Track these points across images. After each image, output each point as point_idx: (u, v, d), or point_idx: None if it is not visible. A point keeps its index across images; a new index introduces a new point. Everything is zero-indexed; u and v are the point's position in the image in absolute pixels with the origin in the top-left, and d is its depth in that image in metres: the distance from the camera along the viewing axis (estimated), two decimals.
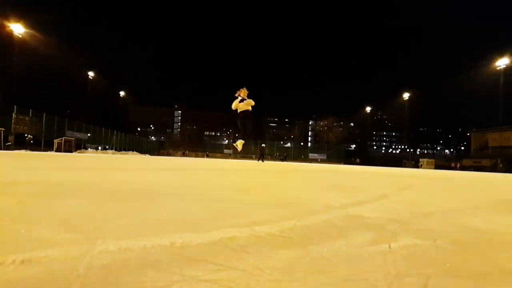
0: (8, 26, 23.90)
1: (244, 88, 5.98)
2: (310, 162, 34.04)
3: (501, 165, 31.71)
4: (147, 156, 23.84)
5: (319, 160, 43.37)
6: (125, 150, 36.69)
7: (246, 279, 0.56)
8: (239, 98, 5.91)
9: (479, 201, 2.26)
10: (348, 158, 45.80)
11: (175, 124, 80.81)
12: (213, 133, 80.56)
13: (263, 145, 26.58)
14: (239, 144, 5.89)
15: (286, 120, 79.98)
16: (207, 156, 45.03)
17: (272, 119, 79.92)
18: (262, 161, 20.37)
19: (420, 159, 39.63)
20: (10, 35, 24.38)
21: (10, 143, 19.61)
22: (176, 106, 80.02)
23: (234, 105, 6.02)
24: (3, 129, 18.99)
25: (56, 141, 24.03)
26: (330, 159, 44.07)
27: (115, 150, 32.81)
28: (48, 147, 23.71)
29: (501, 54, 34.41)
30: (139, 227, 0.92)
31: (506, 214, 1.67)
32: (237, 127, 6.08)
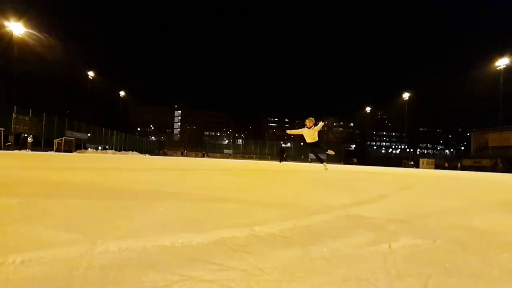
0: (8, 26, 23.88)
1: (311, 119, 7.37)
2: (310, 162, 34.02)
3: (501, 165, 31.72)
4: (147, 156, 23.83)
5: (310, 160, 43.23)
6: (125, 150, 36.70)
7: (246, 279, 0.56)
8: (306, 128, 7.34)
9: (479, 201, 2.26)
10: (348, 158, 45.82)
11: (175, 124, 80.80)
12: (213, 133, 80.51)
13: (282, 145, 25.11)
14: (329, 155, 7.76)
15: (286, 120, 79.98)
16: (206, 156, 44.92)
17: (272, 119, 79.87)
18: (280, 161, 19.82)
19: (420, 159, 39.62)
20: (10, 35, 24.37)
21: (10, 143, 19.62)
22: (176, 106, 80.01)
23: (294, 132, 7.86)
24: (3, 129, 19.00)
25: (56, 141, 24.04)
26: (330, 159, 44.06)
27: (115, 150, 32.81)
28: (48, 147, 23.71)
29: (501, 54, 34.42)
30: (139, 227, 0.92)
31: (506, 214, 1.67)
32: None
